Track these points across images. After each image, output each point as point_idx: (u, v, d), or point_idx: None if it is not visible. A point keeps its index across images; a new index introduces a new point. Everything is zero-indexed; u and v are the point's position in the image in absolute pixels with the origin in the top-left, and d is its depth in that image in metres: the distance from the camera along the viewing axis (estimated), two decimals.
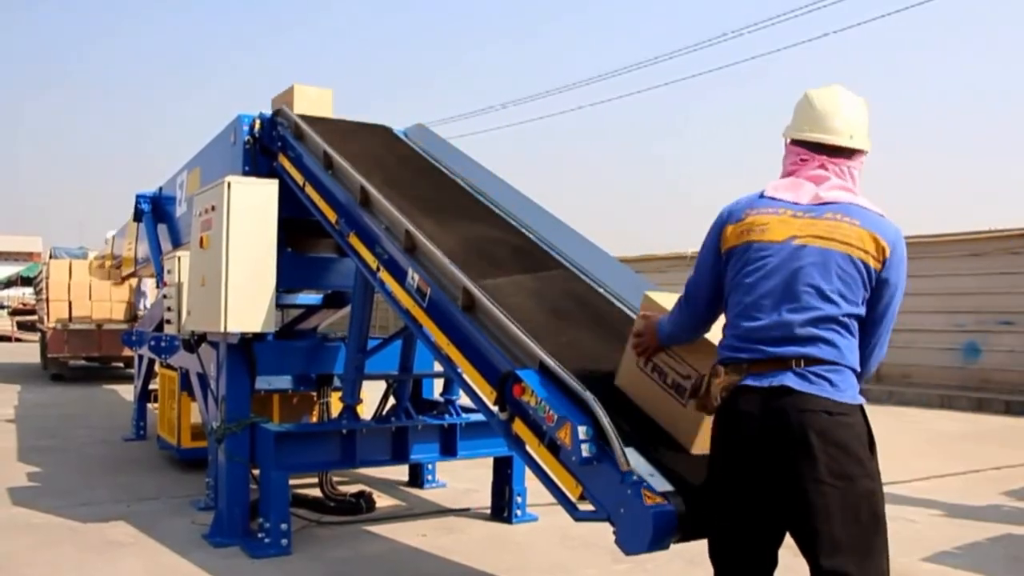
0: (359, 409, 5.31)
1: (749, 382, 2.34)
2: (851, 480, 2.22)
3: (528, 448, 2.95)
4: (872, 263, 2.33)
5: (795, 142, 2.55)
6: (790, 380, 2.28)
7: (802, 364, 2.29)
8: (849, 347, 2.34)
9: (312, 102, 5.53)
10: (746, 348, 2.37)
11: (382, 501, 5.69)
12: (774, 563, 2.43)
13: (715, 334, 2.61)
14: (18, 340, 25.05)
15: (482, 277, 3.66)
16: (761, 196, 2.49)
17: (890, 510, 2.38)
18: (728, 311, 2.51)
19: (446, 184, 5.25)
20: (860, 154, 2.52)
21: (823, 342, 2.30)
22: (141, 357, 8.35)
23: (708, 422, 2.54)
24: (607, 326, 3.81)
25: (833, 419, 2.25)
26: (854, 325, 2.36)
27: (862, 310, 2.36)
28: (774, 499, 2.30)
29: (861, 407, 2.34)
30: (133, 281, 12.75)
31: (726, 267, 2.49)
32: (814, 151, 2.50)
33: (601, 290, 4.14)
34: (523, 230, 4.73)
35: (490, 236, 4.48)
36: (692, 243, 21.18)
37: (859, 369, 2.38)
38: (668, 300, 2.87)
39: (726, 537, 2.43)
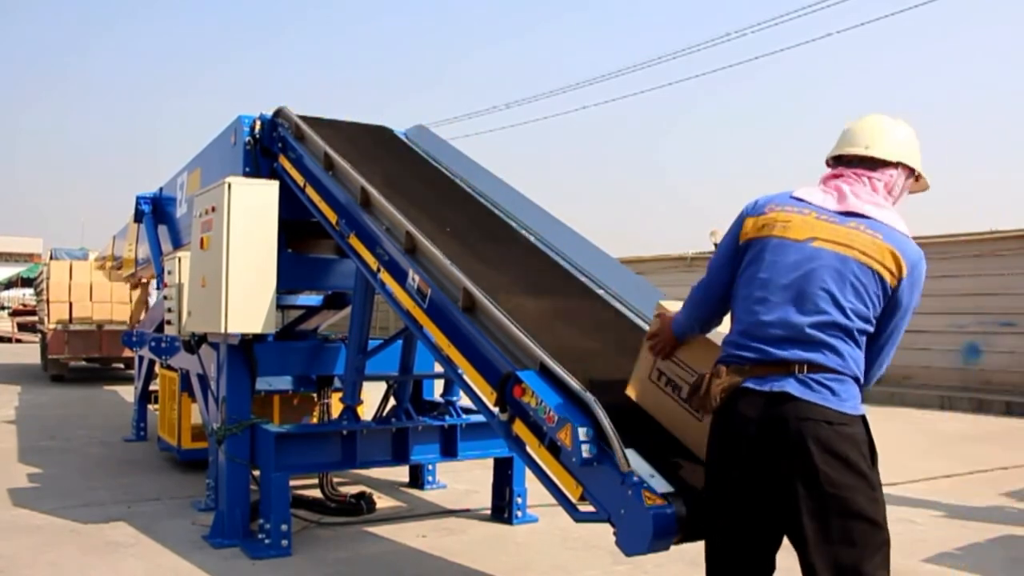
0: (359, 410, 5.31)
1: (750, 385, 2.32)
2: (850, 490, 2.21)
3: (528, 449, 2.96)
4: (888, 278, 2.32)
5: (826, 162, 2.61)
6: (791, 387, 2.27)
7: (805, 370, 2.27)
8: (854, 357, 2.32)
9: None
10: (750, 347, 2.36)
11: (382, 502, 5.69)
12: (771, 569, 2.41)
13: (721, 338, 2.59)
14: (18, 341, 25.09)
15: (482, 278, 3.66)
16: (791, 196, 2.50)
17: (891, 511, 2.37)
18: (735, 304, 2.49)
19: (446, 185, 5.26)
20: (887, 167, 2.47)
21: (829, 349, 2.29)
22: (141, 358, 8.36)
23: None
24: (608, 327, 3.81)
25: (833, 429, 2.23)
26: (861, 336, 2.34)
27: (871, 323, 2.34)
28: (770, 504, 2.29)
29: (863, 417, 2.31)
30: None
31: (742, 258, 2.48)
32: (838, 165, 2.54)
33: (601, 291, 4.15)
34: (522, 230, 4.73)
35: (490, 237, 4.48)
36: (692, 244, 21.24)
37: (862, 380, 2.37)
38: (679, 308, 2.84)
39: (722, 541, 2.42)
